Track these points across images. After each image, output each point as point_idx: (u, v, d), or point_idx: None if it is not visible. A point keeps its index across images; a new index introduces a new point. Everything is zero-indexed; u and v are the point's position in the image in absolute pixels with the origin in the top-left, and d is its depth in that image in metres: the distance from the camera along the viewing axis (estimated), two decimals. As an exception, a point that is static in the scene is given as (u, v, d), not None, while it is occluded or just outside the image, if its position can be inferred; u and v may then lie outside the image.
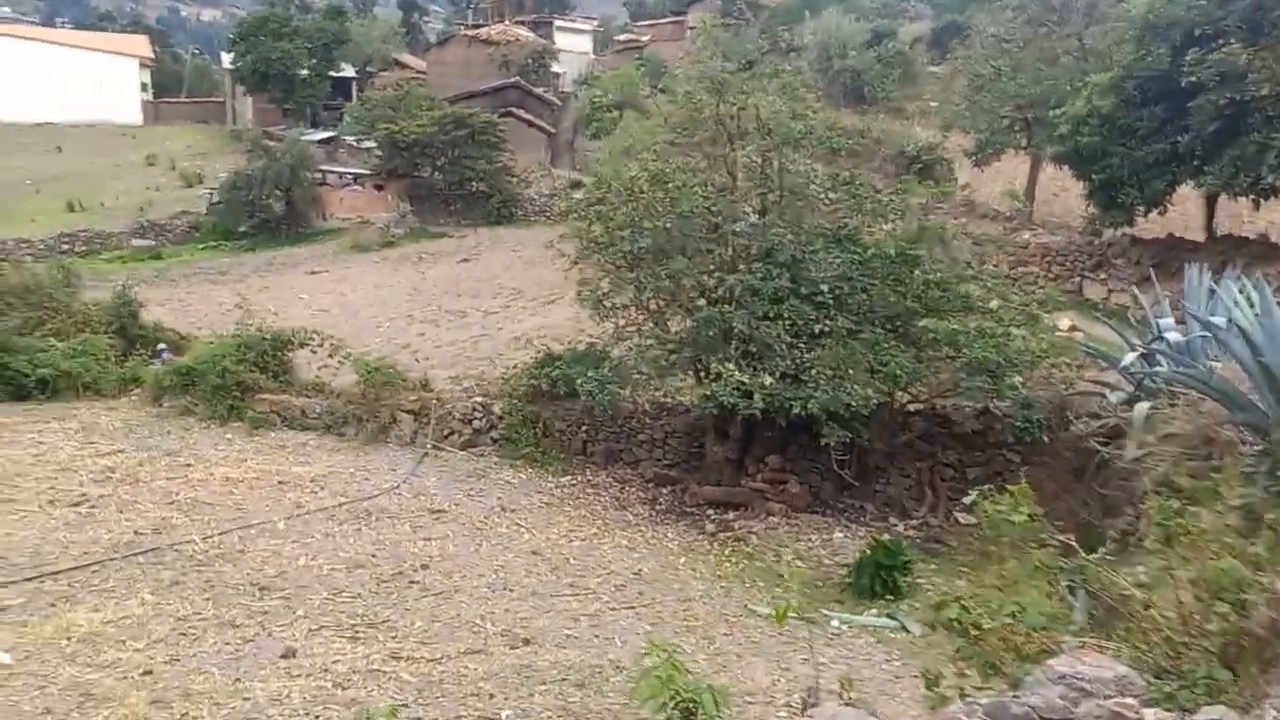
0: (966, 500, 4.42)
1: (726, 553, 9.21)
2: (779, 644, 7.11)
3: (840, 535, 9.63)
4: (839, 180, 10.72)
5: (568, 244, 11.33)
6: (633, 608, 7.60)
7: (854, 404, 9.02)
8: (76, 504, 8.59)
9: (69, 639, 5.85)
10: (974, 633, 3.42)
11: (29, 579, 6.83)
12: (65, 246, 22.61)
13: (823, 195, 10.70)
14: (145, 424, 11.14)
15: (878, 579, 8.19)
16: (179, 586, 6.95)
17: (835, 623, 7.63)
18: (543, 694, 5.67)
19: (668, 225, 9.90)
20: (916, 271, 10.01)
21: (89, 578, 7.00)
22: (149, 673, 5.48)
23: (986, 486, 4.28)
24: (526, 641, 6.57)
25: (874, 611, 7.85)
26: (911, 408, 10.54)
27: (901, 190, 11.66)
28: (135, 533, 7.98)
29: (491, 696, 5.59)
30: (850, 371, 9.13)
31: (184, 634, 6.14)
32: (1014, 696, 2.57)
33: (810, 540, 9.54)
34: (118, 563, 7.31)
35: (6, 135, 31.91)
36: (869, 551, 8.41)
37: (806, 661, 6.83)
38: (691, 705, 3.18)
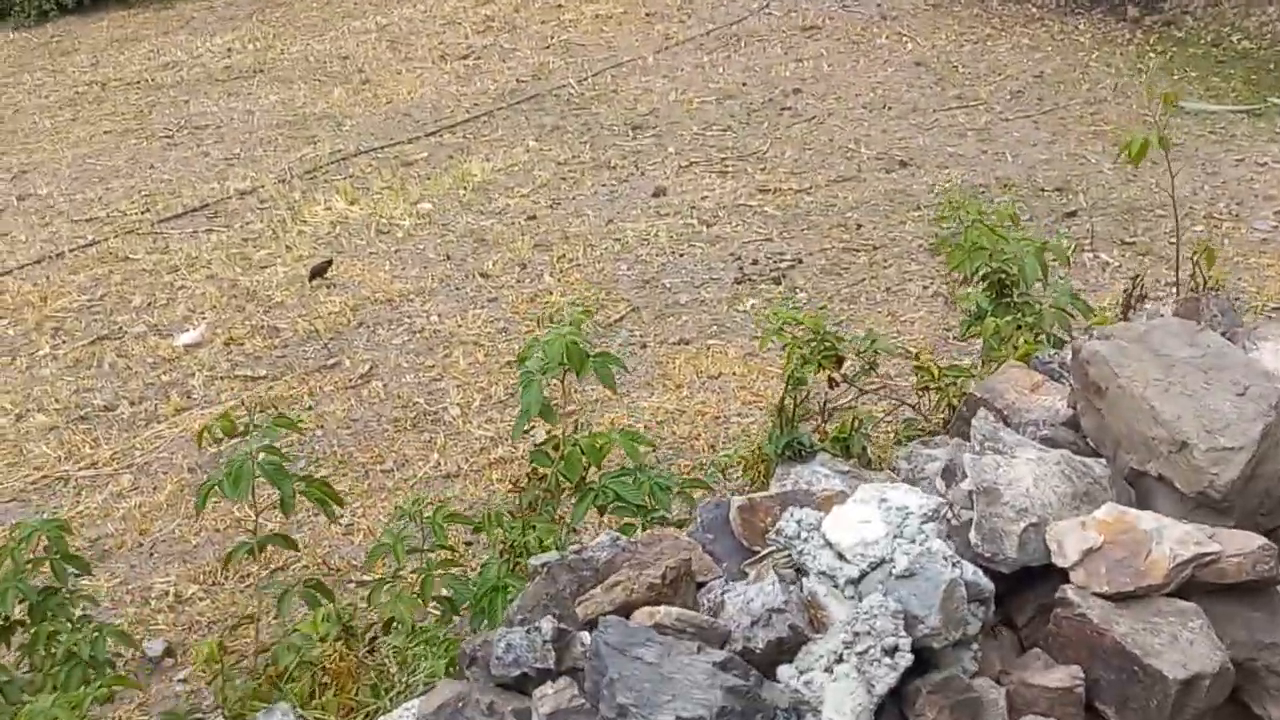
0: None
1: (1151, 40, 7.81)
2: (1208, 145, 6.07)
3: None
4: None
5: None
6: (1029, 116, 6.76)
7: None
8: (464, 57, 8.97)
9: (465, 188, 6.27)
10: None
11: (430, 133, 7.34)
12: None
13: None
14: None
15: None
16: (559, 131, 7.14)
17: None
18: (915, 222, 5.32)
19: None
20: None
21: (479, 128, 7.38)
22: (533, 218, 5.78)
23: None
24: (903, 164, 6.12)
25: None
26: None
27: None
28: (517, 81, 8.24)
29: (859, 227, 5.33)
30: None
31: (564, 178, 6.36)
32: None
33: (1266, 12, 7.79)
34: (504, 112, 7.62)
35: None
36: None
37: (1241, 164, 5.81)
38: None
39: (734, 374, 4.09)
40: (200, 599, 3.12)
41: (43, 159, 7.66)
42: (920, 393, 2.71)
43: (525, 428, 2.29)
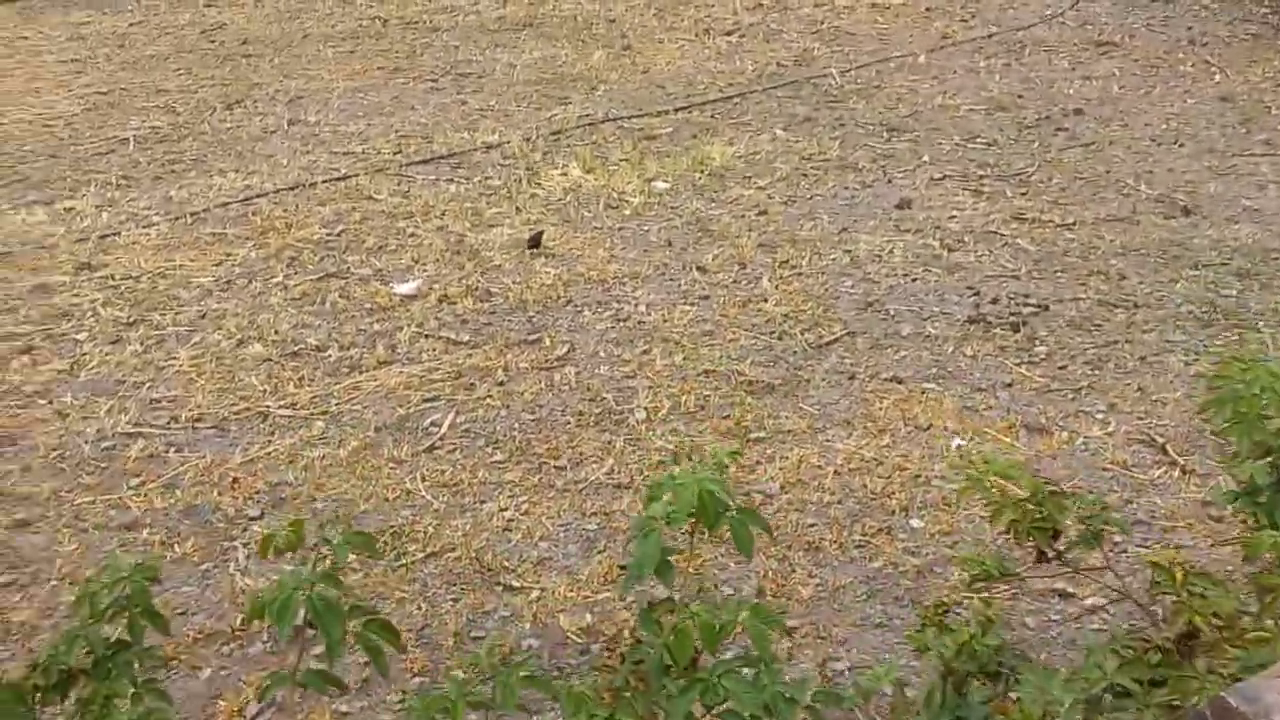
0: None
1: None
2: None
3: None
4: None
5: None
6: (1354, 174, 5.89)
7: None
8: (729, 33, 8.75)
9: (701, 171, 6.09)
10: None
11: (678, 109, 7.19)
12: None
13: None
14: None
15: None
16: (809, 123, 6.82)
17: None
18: (1189, 281, 4.69)
19: None
20: None
21: (729, 109, 7.16)
22: (764, 212, 5.53)
23: None
24: (1186, 211, 5.43)
25: None
26: None
27: None
28: (778, 64, 7.96)
29: (1122, 278, 4.76)
30: None
31: (805, 174, 6.06)
32: None
33: None
34: (757, 95, 7.36)
35: None
36: None
37: None
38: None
39: (946, 428, 3.73)
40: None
41: (317, 88, 8.05)
42: (1154, 594, 2.01)
43: (635, 586, 1.90)
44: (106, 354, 4.36)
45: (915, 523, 3.29)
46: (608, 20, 9.26)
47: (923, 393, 3.96)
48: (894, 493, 3.40)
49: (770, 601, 2.93)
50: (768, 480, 3.48)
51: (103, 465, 3.64)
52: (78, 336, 4.52)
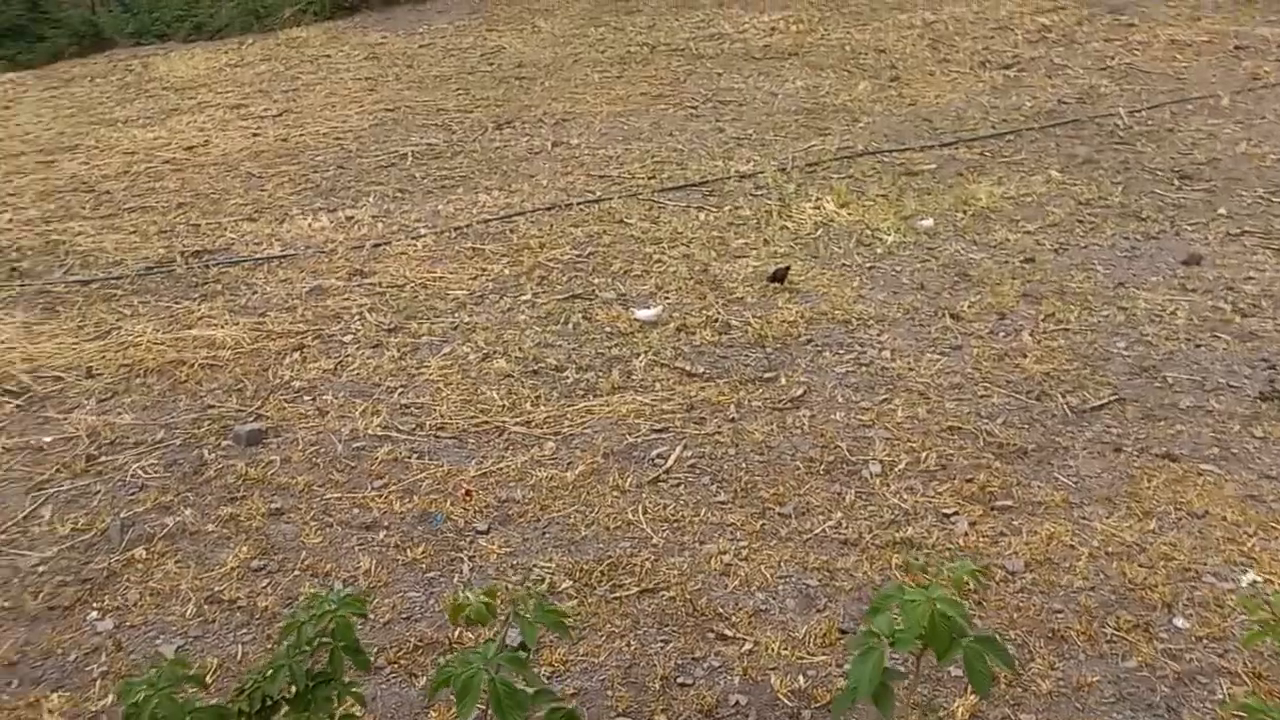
0: None
1: None
2: None
3: None
4: None
5: None
6: None
7: None
8: (1007, 66, 8.32)
9: (964, 212, 5.78)
10: None
11: (945, 144, 6.88)
12: None
13: None
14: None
15: None
16: (1090, 165, 6.34)
17: None
18: None
19: None
20: None
21: (1001, 147, 6.78)
22: (1030, 260, 5.16)
23: None
24: None
25: None
26: None
27: None
28: (1059, 101, 7.46)
29: None
30: None
31: (1080, 220, 5.62)
32: None
33: None
34: (1033, 133, 6.93)
35: None
36: None
37: None
38: None
39: (1224, 518, 3.29)
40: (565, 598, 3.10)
41: (582, 111, 8.29)
42: None
43: (852, 701, 1.71)
44: (367, 358, 4.60)
45: (1180, 622, 2.91)
46: (877, 50, 9.03)
47: (1199, 474, 3.53)
48: (1157, 585, 3.03)
49: (1002, 692, 2.66)
50: (1011, 554, 3.19)
51: (352, 464, 3.82)
52: (344, 339, 4.80)
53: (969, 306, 4.74)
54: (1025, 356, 4.30)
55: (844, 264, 5.24)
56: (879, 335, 4.53)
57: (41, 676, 2.90)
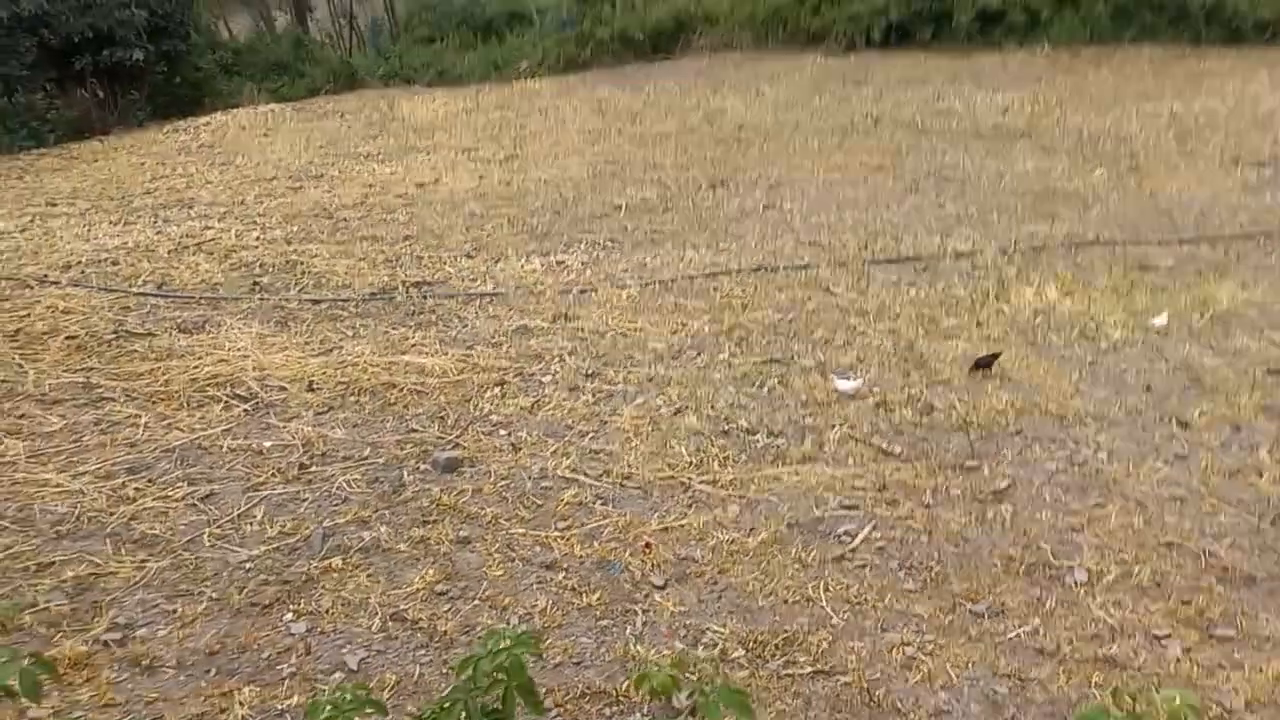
0: None
1: None
2: None
3: None
4: None
5: None
6: None
7: None
8: (1261, 164, 7.77)
9: (1201, 313, 5.39)
10: None
11: (1185, 240, 6.46)
12: None
13: None
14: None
15: None
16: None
17: None
18: None
19: None
20: None
21: (1248, 249, 6.31)
22: (1274, 372, 4.74)
23: None
24: None
25: None
26: None
27: None
28: (1317, 202, 6.92)
29: None
30: None
31: (1335, 334, 5.14)
32: None
33: None
34: (1284, 237, 6.43)
35: None
36: None
37: None
38: None
39: None
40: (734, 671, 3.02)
41: (798, 176, 8.29)
42: None
43: None
44: (563, 399, 4.69)
45: None
46: (1117, 138, 8.63)
47: None
48: (1407, 753, 2.67)
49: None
50: (1230, 690, 2.89)
51: (539, 503, 3.88)
52: (543, 379, 4.92)
53: (1200, 415, 4.38)
54: (1261, 475, 3.93)
55: (1063, 355, 4.97)
56: (1095, 435, 4.25)
57: (236, 669, 3.05)
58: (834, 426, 4.34)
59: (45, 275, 6.80)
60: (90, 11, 15.04)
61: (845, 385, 4.70)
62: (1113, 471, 3.97)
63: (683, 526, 3.68)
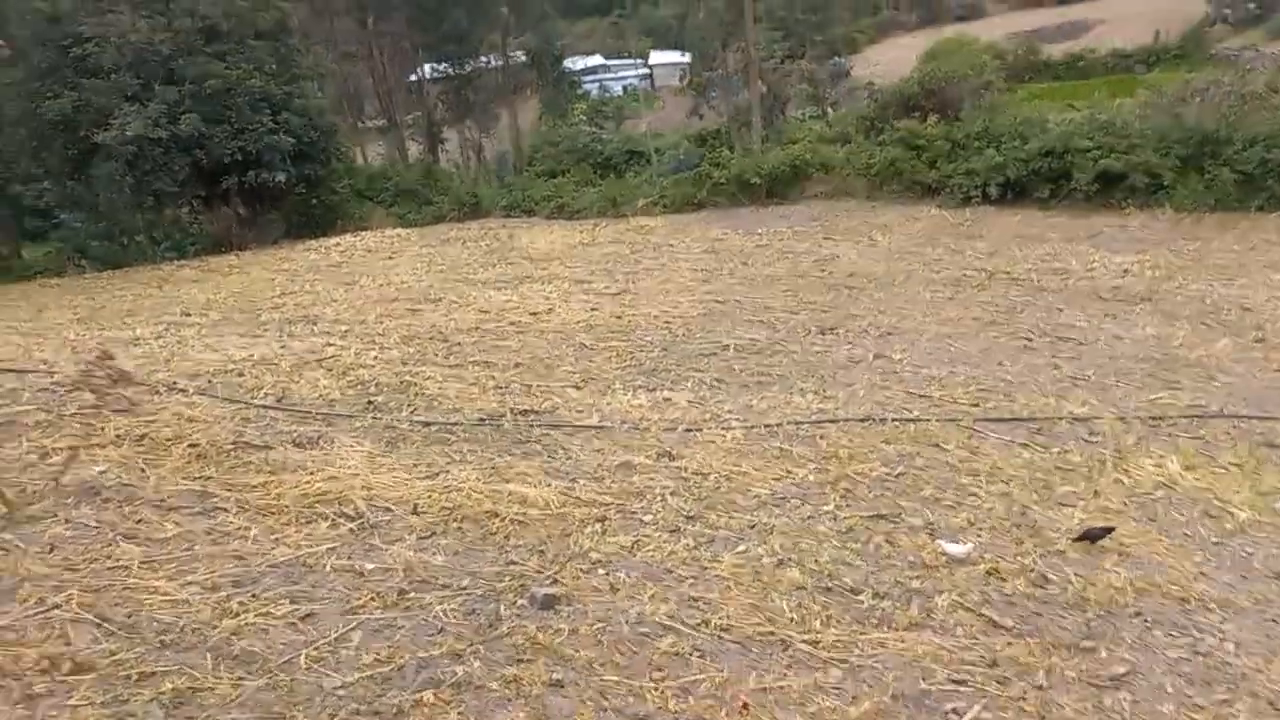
0: None
1: None
2: None
3: None
4: None
5: None
6: None
7: None
8: (1398, 342, 7.44)
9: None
10: None
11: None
12: None
13: None
14: None
15: None
16: None
17: None
18: None
19: None
20: None
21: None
22: None
23: None
24: None
25: None
26: None
27: None
28: None
29: None
30: None
31: None
32: None
33: None
34: None
35: None
36: None
37: None
38: None
39: None
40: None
41: (909, 327, 8.24)
42: None
43: None
44: (664, 540, 4.65)
45: None
46: (1241, 307, 8.38)
47: None
48: None
49: None
50: None
51: (635, 650, 3.81)
52: (644, 518, 4.89)
53: (1337, 610, 4.11)
54: None
55: (1185, 534, 4.74)
56: (1221, 623, 4.01)
57: (320, 798, 3.03)
58: (942, 592, 4.19)
59: (175, 382, 7.13)
60: (242, 135, 16.21)
61: (955, 549, 4.56)
62: (1241, 665, 3.72)
63: (782, 688, 3.56)
